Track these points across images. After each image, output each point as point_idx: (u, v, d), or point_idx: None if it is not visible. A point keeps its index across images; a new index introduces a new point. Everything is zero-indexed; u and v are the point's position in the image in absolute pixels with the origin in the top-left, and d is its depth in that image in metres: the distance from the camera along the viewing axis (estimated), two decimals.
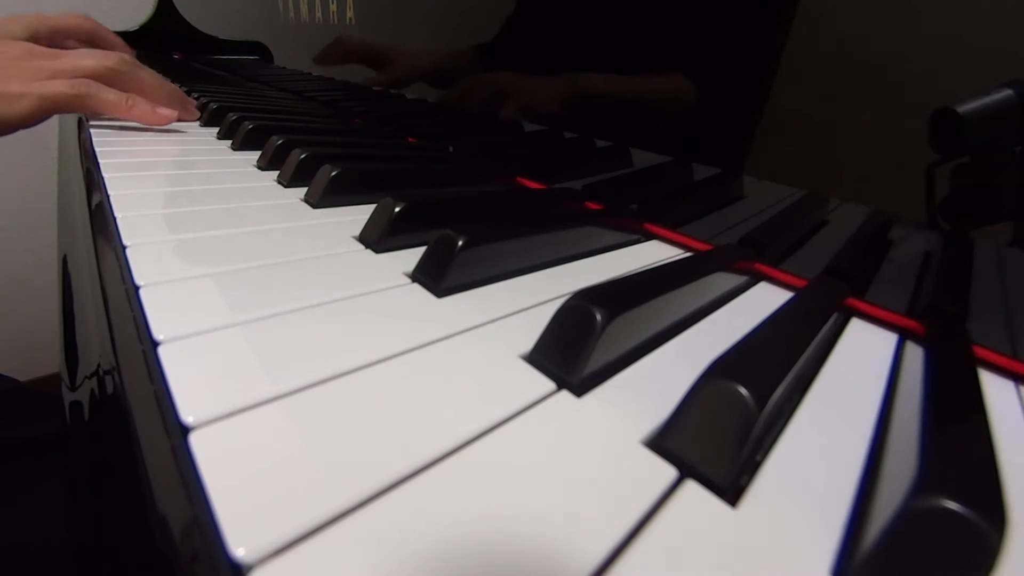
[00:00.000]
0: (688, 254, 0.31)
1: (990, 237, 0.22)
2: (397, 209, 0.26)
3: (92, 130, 0.44)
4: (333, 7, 0.61)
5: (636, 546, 0.11)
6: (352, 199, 0.32)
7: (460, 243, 0.22)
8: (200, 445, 0.12)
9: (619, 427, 0.15)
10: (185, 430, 0.12)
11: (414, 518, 0.11)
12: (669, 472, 0.13)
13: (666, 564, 0.11)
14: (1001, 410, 0.19)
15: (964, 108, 0.21)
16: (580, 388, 0.16)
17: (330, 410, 0.14)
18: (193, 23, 1.08)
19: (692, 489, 0.13)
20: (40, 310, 1.18)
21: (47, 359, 1.18)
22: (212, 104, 0.54)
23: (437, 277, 0.22)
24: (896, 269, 0.24)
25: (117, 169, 0.33)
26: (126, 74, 0.47)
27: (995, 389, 0.21)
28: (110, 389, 0.16)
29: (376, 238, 0.26)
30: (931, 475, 0.11)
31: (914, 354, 0.22)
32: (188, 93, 0.59)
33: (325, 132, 0.52)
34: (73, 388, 0.20)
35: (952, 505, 0.10)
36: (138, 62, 0.50)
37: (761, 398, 0.13)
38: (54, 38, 0.57)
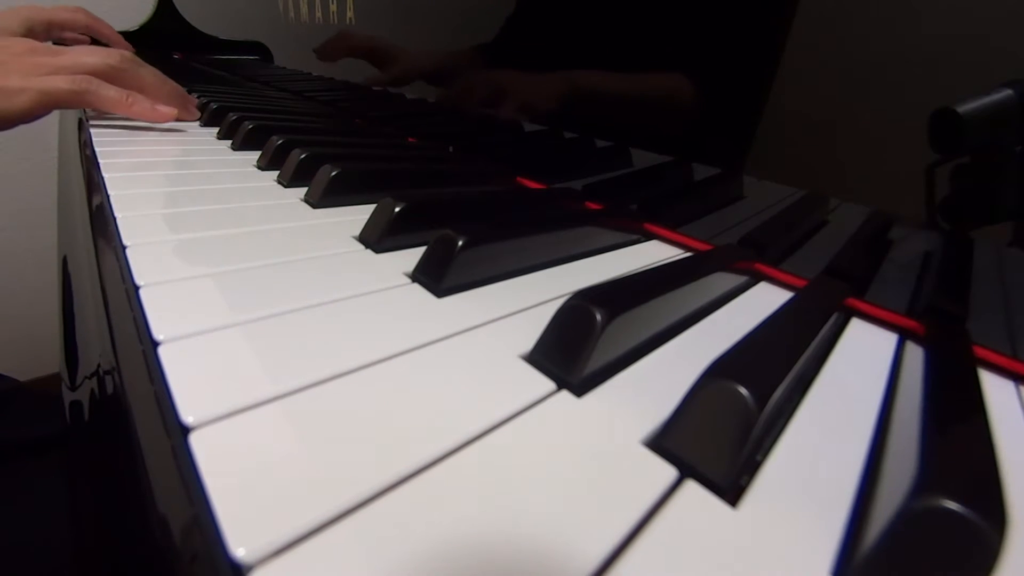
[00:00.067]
0: (688, 254, 0.31)
1: (990, 237, 0.22)
2: (397, 209, 0.26)
3: (92, 130, 0.44)
4: (333, 7, 0.61)
5: (636, 546, 0.11)
6: (352, 199, 0.32)
7: (460, 243, 0.22)
8: (200, 445, 0.12)
9: (619, 427, 0.15)
10: (185, 430, 0.12)
11: (414, 518, 0.11)
12: (669, 472, 0.13)
13: (666, 564, 0.11)
14: (1001, 410, 0.19)
15: (964, 108, 0.21)
16: (580, 388, 0.16)
17: (330, 410, 0.14)
18: (193, 23, 1.08)
19: (692, 489, 0.13)
20: (40, 310, 1.18)
21: (47, 359, 1.18)
22: (212, 104, 0.54)
23: (437, 277, 0.22)
24: (896, 269, 0.24)
25: (117, 169, 0.33)
26: (127, 71, 0.47)
27: (995, 389, 0.21)
28: (110, 389, 0.16)
29: (376, 238, 0.26)
30: (931, 475, 0.11)
31: (914, 354, 0.22)
32: (188, 93, 0.59)
33: (325, 132, 0.52)
34: (73, 388, 0.20)
35: (952, 505, 0.10)
36: (140, 59, 0.50)
37: (761, 398, 0.13)
38: (50, 31, 0.56)
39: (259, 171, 0.38)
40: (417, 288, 0.22)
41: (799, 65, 0.25)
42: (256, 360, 0.15)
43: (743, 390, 0.13)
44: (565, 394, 0.16)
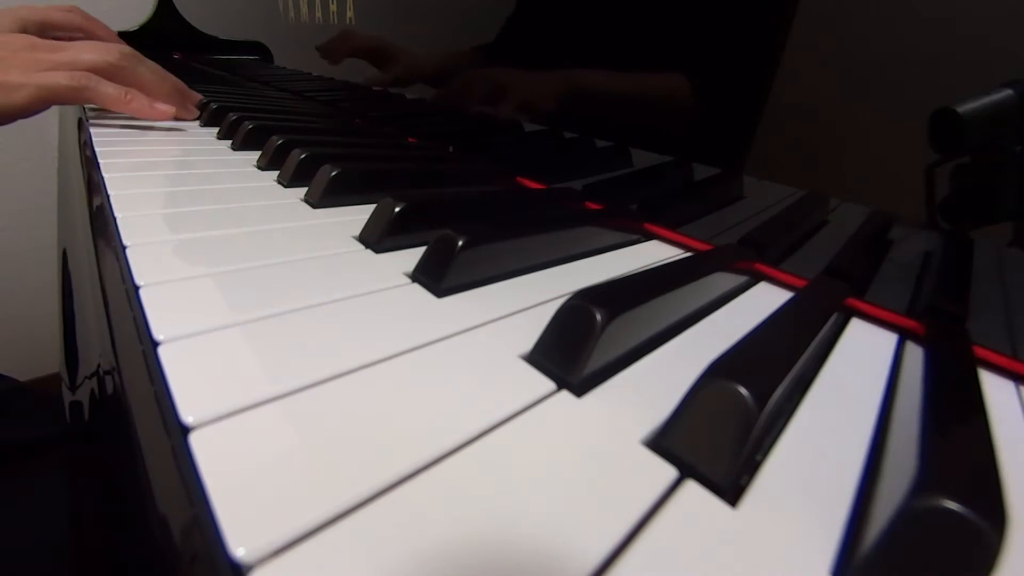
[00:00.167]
0: (688, 254, 0.31)
1: (990, 237, 0.22)
2: (397, 209, 0.26)
3: (92, 130, 0.44)
4: (333, 7, 0.61)
5: (636, 546, 0.11)
6: (352, 199, 0.32)
7: (460, 243, 0.22)
8: (200, 445, 0.12)
9: (619, 427, 0.15)
10: (185, 430, 0.12)
11: (414, 518, 0.11)
12: (669, 472, 0.13)
13: (666, 564, 0.11)
14: (1001, 410, 0.19)
15: (964, 108, 0.21)
16: (580, 388, 0.16)
17: (330, 410, 0.14)
18: (193, 23, 1.08)
19: (692, 489, 0.13)
20: (40, 310, 1.18)
21: (47, 359, 1.18)
22: (212, 104, 0.54)
23: (437, 277, 0.22)
24: (896, 269, 0.24)
25: (117, 169, 0.33)
26: (126, 69, 0.48)
27: (995, 389, 0.21)
28: (110, 389, 0.16)
29: (376, 238, 0.26)
30: (931, 475, 0.11)
31: (914, 354, 0.22)
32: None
33: (325, 132, 0.52)
34: (73, 388, 0.21)
35: (952, 505, 0.10)
36: (140, 56, 0.50)
37: (761, 398, 0.13)
38: (44, 31, 0.56)
39: (259, 171, 0.38)
40: (417, 288, 0.22)
41: (799, 65, 0.25)
42: (256, 360, 0.15)
43: (743, 390, 0.13)
44: (565, 394, 0.16)
